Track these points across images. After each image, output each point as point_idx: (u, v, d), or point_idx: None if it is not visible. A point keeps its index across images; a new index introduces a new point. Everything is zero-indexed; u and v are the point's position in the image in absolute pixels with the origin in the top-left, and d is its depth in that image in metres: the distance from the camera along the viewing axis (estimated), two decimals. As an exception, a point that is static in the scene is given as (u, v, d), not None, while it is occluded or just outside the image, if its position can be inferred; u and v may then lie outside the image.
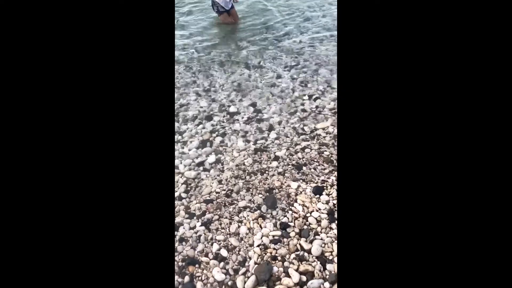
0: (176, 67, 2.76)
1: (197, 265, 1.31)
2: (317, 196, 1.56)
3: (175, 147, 1.96)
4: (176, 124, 2.14)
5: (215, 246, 1.37)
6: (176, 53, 2.91)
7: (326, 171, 1.71)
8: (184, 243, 1.40)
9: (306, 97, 2.31)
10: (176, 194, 1.65)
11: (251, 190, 1.63)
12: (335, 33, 3.19)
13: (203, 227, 1.46)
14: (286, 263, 1.28)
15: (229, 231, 1.44)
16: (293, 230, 1.41)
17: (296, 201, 1.55)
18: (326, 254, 1.30)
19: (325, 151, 1.84)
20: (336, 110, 2.17)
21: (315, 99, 2.29)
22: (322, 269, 1.25)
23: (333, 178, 1.66)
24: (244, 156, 1.86)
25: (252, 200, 1.58)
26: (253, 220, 1.47)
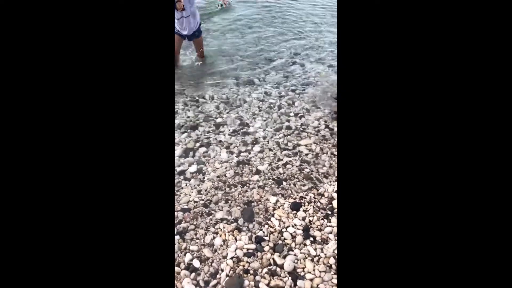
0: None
1: (167, 275, 1.29)
2: (294, 212, 1.58)
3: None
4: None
5: (188, 256, 1.36)
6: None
7: (305, 187, 1.74)
8: (156, 251, 1.38)
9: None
10: (154, 201, 1.64)
11: (229, 202, 1.64)
12: (326, 55, 3.31)
13: (177, 236, 1.45)
14: (257, 277, 1.28)
15: (204, 241, 1.43)
16: (268, 245, 1.41)
17: (273, 215, 1.56)
18: (298, 270, 1.31)
19: (306, 168, 1.88)
20: (319, 128, 2.23)
21: (300, 117, 2.35)
22: (292, 285, 1.25)
23: (311, 195, 1.69)
24: (226, 167, 1.87)
25: (229, 212, 1.58)
26: (229, 232, 1.47)
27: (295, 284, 1.26)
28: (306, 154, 1.99)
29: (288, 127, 2.24)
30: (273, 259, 1.35)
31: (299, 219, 1.54)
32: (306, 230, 1.48)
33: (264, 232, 1.47)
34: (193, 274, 1.29)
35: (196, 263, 1.33)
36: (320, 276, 1.28)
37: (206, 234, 1.46)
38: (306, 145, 2.06)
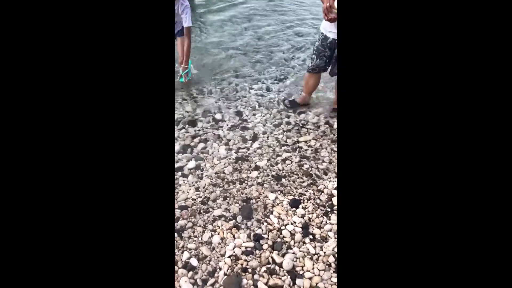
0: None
1: (164, 273, 1.27)
2: (293, 209, 1.55)
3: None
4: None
5: (186, 255, 1.34)
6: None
7: (305, 184, 1.71)
8: (153, 249, 1.37)
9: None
10: (151, 198, 1.62)
11: (228, 199, 1.62)
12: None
13: (175, 234, 1.43)
14: (256, 276, 1.26)
15: (202, 239, 1.41)
16: (266, 243, 1.39)
17: (272, 212, 1.54)
18: (297, 268, 1.29)
19: (305, 164, 1.85)
20: (319, 124, 2.20)
21: (299, 113, 2.31)
22: (291, 284, 1.24)
23: (310, 191, 1.66)
24: (224, 164, 1.84)
25: (228, 209, 1.56)
26: (227, 229, 1.45)
27: (294, 283, 1.24)
28: (306, 150, 1.96)
29: (288, 123, 2.21)
30: (271, 257, 1.33)
31: (298, 216, 1.52)
32: (305, 228, 1.46)
33: (263, 230, 1.45)
34: (191, 272, 1.28)
35: (193, 262, 1.31)
36: (319, 275, 1.27)
37: (204, 232, 1.44)
38: (305, 141, 2.03)
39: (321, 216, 1.52)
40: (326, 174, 1.79)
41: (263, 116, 2.27)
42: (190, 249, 1.36)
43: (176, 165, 1.83)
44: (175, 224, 1.47)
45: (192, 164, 1.84)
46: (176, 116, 2.23)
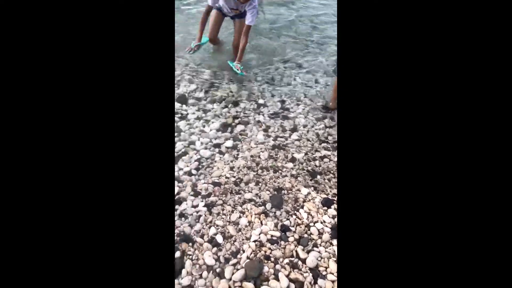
0: (215, 47, 2.75)
1: (190, 244, 1.31)
2: (325, 208, 1.51)
3: (197, 124, 1.96)
4: (203, 102, 2.13)
5: (212, 230, 1.36)
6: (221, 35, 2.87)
7: (340, 185, 1.65)
8: (183, 219, 1.40)
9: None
10: (187, 169, 1.65)
11: (260, 184, 1.61)
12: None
13: (205, 208, 1.45)
14: (278, 266, 1.25)
15: (230, 219, 1.42)
16: (293, 236, 1.37)
17: (302, 207, 1.51)
18: (321, 268, 1.27)
19: (344, 165, 1.78)
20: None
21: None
22: (312, 282, 1.22)
23: (345, 194, 1.61)
24: (261, 149, 1.83)
25: (259, 194, 1.55)
26: (255, 214, 1.45)
27: (315, 282, 1.22)
28: (346, 151, 1.88)
29: (332, 119, 2.13)
30: (296, 251, 1.31)
31: (329, 216, 1.47)
32: (334, 229, 1.41)
33: (291, 222, 1.43)
34: (215, 248, 1.30)
35: (219, 239, 1.33)
36: (342, 280, 1.23)
37: (232, 212, 1.45)
38: (347, 141, 1.95)
39: (353, 221, 1.47)
40: (363, 179, 1.71)
41: (305, 107, 2.20)
42: (217, 226, 1.38)
43: (215, 142, 1.84)
44: (207, 199, 1.50)
45: (229, 143, 1.84)
46: (220, 94, 2.23)
